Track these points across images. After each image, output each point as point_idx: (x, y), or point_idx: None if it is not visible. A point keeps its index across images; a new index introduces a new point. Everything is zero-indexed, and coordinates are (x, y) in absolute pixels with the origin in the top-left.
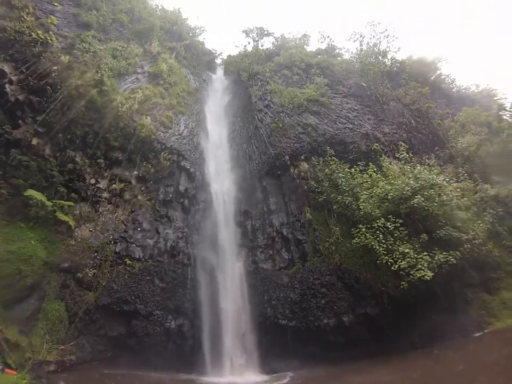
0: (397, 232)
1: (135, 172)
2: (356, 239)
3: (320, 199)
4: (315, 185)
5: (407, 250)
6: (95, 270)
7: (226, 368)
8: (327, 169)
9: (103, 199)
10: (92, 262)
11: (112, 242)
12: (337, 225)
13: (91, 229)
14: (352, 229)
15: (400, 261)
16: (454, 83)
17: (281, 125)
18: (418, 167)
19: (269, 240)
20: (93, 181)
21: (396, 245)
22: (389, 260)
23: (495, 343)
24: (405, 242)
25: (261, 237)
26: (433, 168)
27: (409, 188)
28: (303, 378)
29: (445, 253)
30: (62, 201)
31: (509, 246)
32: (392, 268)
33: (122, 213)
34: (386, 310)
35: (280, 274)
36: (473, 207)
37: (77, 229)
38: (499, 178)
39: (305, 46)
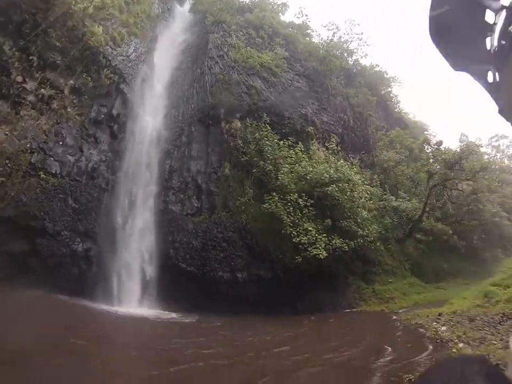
0: (306, 210)
1: (71, 82)
2: (267, 204)
3: (242, 159)
4: (241, 144)
5: (310, 228)
6: (3, 178)
7: (122, 300)
8: (257, 134)
9: (27, 102)
10: (1, 168)
11: (29, 152)
12: (252, 187)
13: (7, 132)
14: (265, 195)
15: (302, 236)
16: (398, 104)
17: (227, 79)
18: (342, 161)
19: (182, 184)
20: (19, 79)
21: (302, 221)
22: (293, 232)
23: (357, 318)
24: (310, 221)
25: (176, 179)
26: (354, 167)
27: (328, 176)
28: (189, 319)
29: (341, 240)
30: None
31: (391, 250)
32: (294, 240)
33: (46, 122)
34: (279, 276)
35: (186, 220)
36: (375, 211)
37: None
38: (403, 195)
39: (280, 14)
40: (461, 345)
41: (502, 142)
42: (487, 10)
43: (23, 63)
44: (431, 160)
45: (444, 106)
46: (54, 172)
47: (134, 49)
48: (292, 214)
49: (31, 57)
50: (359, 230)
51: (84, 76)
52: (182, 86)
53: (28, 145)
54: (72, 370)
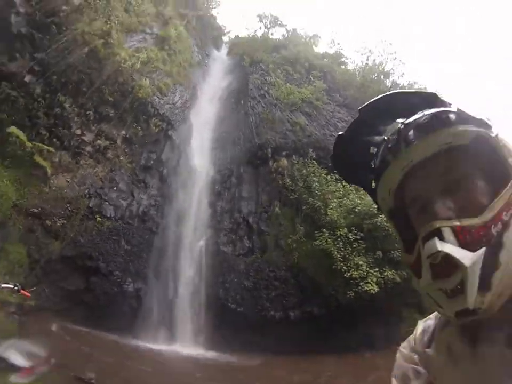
0: (356, 244)
1: (123, 132)
2: (318, 241)
3: (291, 197)
4: (289, 182)
5: (361, 262)
6: (64, 221)
7: (176, 339)
8: (304, 170)
9: (86, 152)
10: (62, 212)
11: (87, 197)
12: (302, 224)
13: (68, 179)
14: (315, 232)
15: (353, 270)
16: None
17: (271, 118)
18: None
19: (234, 225)
20: (78, 132)
21: (353, 255)
22: (343, 267)
23: None
24: (361, 255)
25: (227, 220)
26: None
27: (376, 207)
28: (242, 360)
29: (393, 271)
30: (43, 145)
31: None
32: (345, 275)
33: (102, 170)
34: (332, 312)
35: (238, 260)
36: None
37: (53, 177)
38: None
39: (313, 46)
40: None
41: None
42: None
43: (81, 117)
44: None
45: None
46: (109, 215)
47: (179, 97)
48: (342, 249)
49: (87, 112)
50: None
51: (134, 126)
52: (227, 128)
53: (86, 191)
54: None
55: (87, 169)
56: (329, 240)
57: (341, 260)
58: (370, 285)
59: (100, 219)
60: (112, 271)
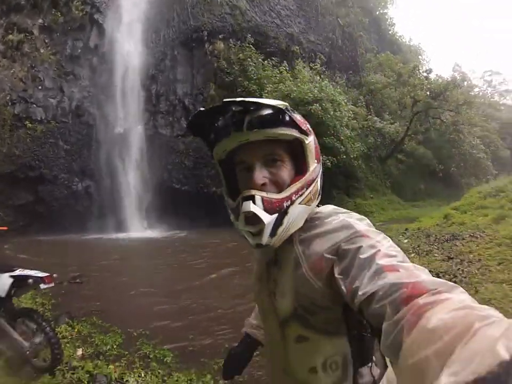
0: None
1: (40, 21)
2: None
3: (227, 79)
4: (225, 65)
5: None
6: None
7: (129, 227)
8: (241, 54)
9: None
10: None
11: (10, 104)
12: None
13: None
14: None
15: None
16: (393, 27)
17: (209, 0)
18: (326, 81)
19: (170, 107)
20: None
21: None
22: None
23: None
24: None
25: (163, 103)
26: (339, 87)
27: (312, 95)
28: (192, 235)
29: (325, 157)
30: None
31: (373, 168)
32: None
33: (20, 69)
34: None
35: (177, 141)
36: (359, 130)
37: None
38: (388, 117)
39: None
40: (412, 254)
41: (495, 78)
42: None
43: None
44: (417, 88)
45: (446, 32)
46: (39, 118)
47: None
48: None
49: None
50: (342, 147)
51: (53, 12)
52: (160, 8)
53: (8, 98)
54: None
55: (2, 72)
56: None
57: None
58: None
59: (31, 125)
60: (57, 175)
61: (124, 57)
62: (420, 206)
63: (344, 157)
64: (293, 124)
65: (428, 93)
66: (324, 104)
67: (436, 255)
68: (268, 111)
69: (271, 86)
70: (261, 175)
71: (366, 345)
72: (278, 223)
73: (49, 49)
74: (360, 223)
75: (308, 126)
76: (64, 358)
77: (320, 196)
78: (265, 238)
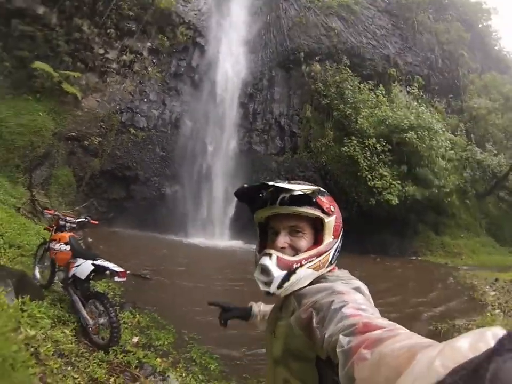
0: (383, 155)
1: (148, 44)
2: (346, 147)
3: (323, 102)
4: (322, 87)
5: (385, 173)
6: (100, 138)
7: (213, 234)
8: (337, 77)
9: (112, 70)
10: (97, 130)
11: (119, 112)
12: (332, 129)
13: (98, 99)
14: (344, 138)
15: (377, 180)
16: (499, 41)
17: (304, 22)
18: (423, 108)
19: (266, 126)
20: (101, 51)
21: (378, 166)
22: (368, 176)
23: (418, 266)
24: (386, 166)
25: (259, 121)
26: (437, 114)
27: (407, 122)
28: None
29: (415, 187)
30: (68, 72)
31: (468, 205)
32: (369, 183)
33: (130, 84)
34: (353, 216)
35: (270, 159)
36: (455, 161)
37: (83, 100)
38: (491, 148)
39: None
40: (497, 311)
41: None
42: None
43: (102, 37)
44: None
45: None
46: (141, 126)
47: (204, 2)
48: (369, 158)
49: (108, 31)
50: (435, 179)
51: (159, 37)
52: (258, 31)
53: (117, 107)
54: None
55: (115, 86)
56: (357, 147)
57: (367, 168)
58: (391, 195)
59: (134, 131)
60: (150, 178)
61: (223, 76)
62: None
63: (436, 190)
64: (317, 205)
65: None
66: (419, 132)
67: None
68: (298, 193)
69: (366, 110)
70: (283, 240)
71: None
72: (285, 278)
73: (156, 68)
74: (346, 287)
75: (332, 208)
76: (120, 341)
77: (331, 265)
78: (273, 288)
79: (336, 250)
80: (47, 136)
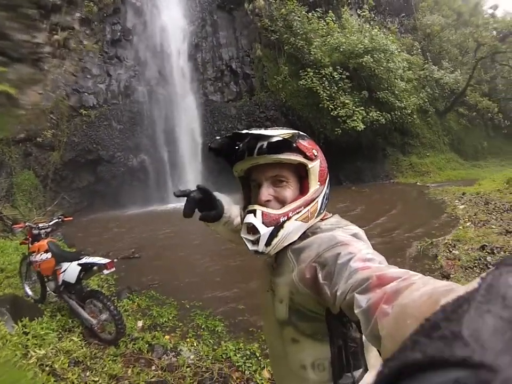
0: (342, 83)
1: (78, 14)
2: (303, 81)
3: (272, 38)
4: (269, 23)
5: (347, 101)
6: (53, 130)
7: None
8: (283, 9)
9: (46, 55)
10: (48, 124)
11: (66, 98)
12: (286, 64)
13: (40, 92)
14: (300, 71)
15: (339, 108)
16: None
17: None
18: (376, 30)
19: (218, 73)
20: (25, 37)
21: (338, 94)
22: (330, 106)
23: (390, 188)
24: (347, 94)
25: (210, 70)
26: (390, 35)
27: (362, 46)
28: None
29: (378, 112)
30: None
31: (431, 124)
32: (332, 113)
33: (70, 64)
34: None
35: (228, 106)
36: (414, 81)
37: (21, 96)
38: (447, 65)
39: None
40: (468, 223)
41: None
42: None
43: (22, 19)
44: (481, 28)
45: None
46: (91, 104)
47: None
48: (328, 88)
49: (29, 12)
50: (397, 101)
51: (86, 3)
52: None
53: (64, 93)
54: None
55: (54, 71)
56: (314, 79)
57: (327, 98)
58: (356, 122)
59: (85, 112)
60: (113, 155)
61: (164, 30)
62: (481, 167)
63: (399, 113)
64: (298, 150)
65: (494, 33)
66: (375, 56)
67: (493, 226)
68: (275, 139)
69: (318, 40)
70: (266, 193)
71: (347, 354)
72: (273, 235)
73: (91, 39)
74: (347, 235)
75: (315, 152)
76: (126, 330)
77: (321, 214)
78: (261, 246)
79: (324, 197)
80: None
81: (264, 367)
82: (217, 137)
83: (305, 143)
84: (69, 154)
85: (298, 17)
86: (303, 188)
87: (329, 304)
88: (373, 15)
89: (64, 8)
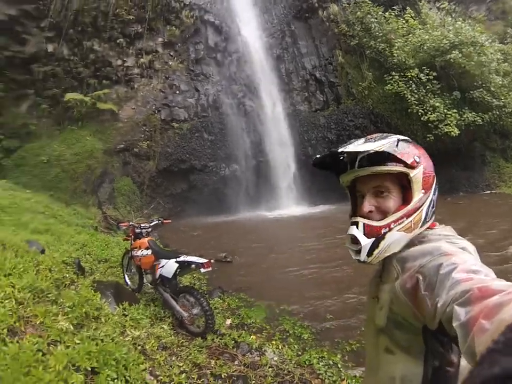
0: (430, 84)
1: (160, 39)
2: (389, 85)
3: (352, 43)
4: (346, 28)
5: (437, 104)
6: (148, 141)
7: (278, 204)
8: (358, 12)
9: (135, 75)
10: (143, 135)
11: (156, 112)
12: (370, 70)
13: (133, 107)
14: (384, 75)
15: (430, 113)
16: None
17: None
18: (460, 22)
19: (303, 83)
20: (119, 62)
21: (428, 97)
22: (420, 110)
23: (498, 201)
24: (436, 96)
25: (295, 80)
26: (477, 25)
27: (447, 42)
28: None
29: (474, 114)
30: (97, 92)
31: None
32: (422, 119)
33: (157, 82)
34: None
35: (316, 116)
36: None
37: (120, 111)
38: None
39: None
40: None
41: None
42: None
43: (115, 48)
44: None
45: None
46: (183, 118)
47: None
48: (416, 91)
49: (118, 41)
50: (494, 100)
51: (168, 28)
52: None
53: (153, 107)
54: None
55: (144, 89)
56: (400, 83)
57: (416, 102)
58: (450, 127)
59: (177, 125)
60: (206, 164)
61: (245, 45)
62: None
63: (497, 112)
64: (398, 160)
65: None
66: (464, 50)
67: None
68: (374, 151)
69: (399, 40)
70: (368, 204)
71: (441, 377)
72: (374, 245)
73: (176, 59)
74: (453, 247)
75: (416, 158)
76: (215, 326)
77: (426, 222)
78: (362, 257)
79: (430, 205)
80: (99, 156)
81: (344, 379)
82: (317, 155)
83: (407, 150)
84: (163, 163)
85: (375, 18)
86: (406, 197)
87: (428, 318)
88: (454, 6)
89: (145, 35)
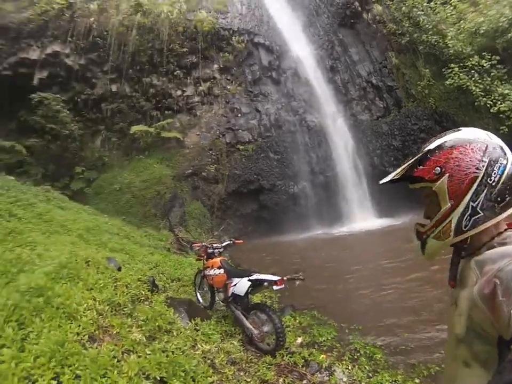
0: (494, 70)
1: (215, 66)
2: (449, 80)
3: (403, 41)
4: (394, 27)
5: (507, 91)
6: (215, 165)
7: (350, 219)
8: (403, 7)
9: (196, 103)
10: (209, 160)
11: (221, 136)
12: (426, 66)
13: (198, 133)
14: (443, 70)
15: (500, 103)
16: None
17: None
18: None
19: (360, 91)
20: (179, 93)
21: (495, 85)
22: (488, 102)
23: None
24: (504, 82)
25: (352, 90)
26: None
27: (505, 19)
28: (412, 221)
29: None
30: (161, 122)
31: None
32: (491, 110)
33: (219, 107)
34: None
35: (379, 123)
36: None
37: (185, 139)
38: None
39: None
40: None
41: None
42: None
43: (173, 80)
44: None
45: None
46: (247, 140)
47: (241, 3)
48: (480, 81)
49: (175, 73)
50: None
51: (221, 55)
52: (302, 4)
53: (218, 132)
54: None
55: (206, 115)
56: (461, 75)
57: (482, 94)
58: None
59: (242, 147)
60: (274, 183)
61: (298, 61)
62: None
63: None
64: (418, 178)
65: None
66: None
67: None
68: (398, 177)
69: (451, 29)
70: (424, 211)
71: None
72: (422, 247)
73: (234, 83)
74: None
75: (437, 170)
76: (285, 344)
77: (464, 230)
78: (418, 250)
79: (464, 214)
80: (168, 182)
81: None
82: (380, 181)
83: (428, 164)
84: (232, 185)
85: (422, 10)
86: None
87: (503, 326)
88: None
89: (201, 63)
